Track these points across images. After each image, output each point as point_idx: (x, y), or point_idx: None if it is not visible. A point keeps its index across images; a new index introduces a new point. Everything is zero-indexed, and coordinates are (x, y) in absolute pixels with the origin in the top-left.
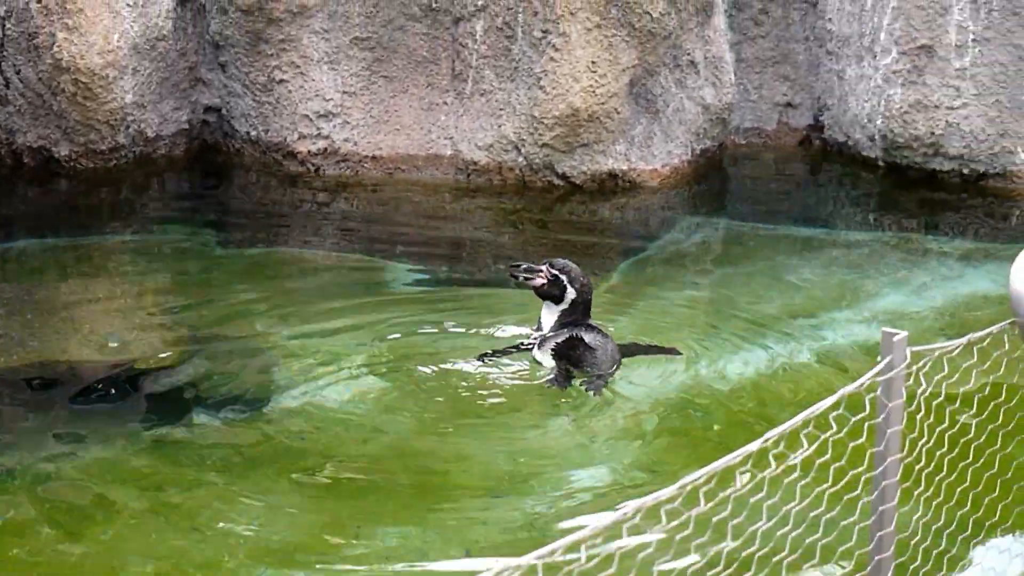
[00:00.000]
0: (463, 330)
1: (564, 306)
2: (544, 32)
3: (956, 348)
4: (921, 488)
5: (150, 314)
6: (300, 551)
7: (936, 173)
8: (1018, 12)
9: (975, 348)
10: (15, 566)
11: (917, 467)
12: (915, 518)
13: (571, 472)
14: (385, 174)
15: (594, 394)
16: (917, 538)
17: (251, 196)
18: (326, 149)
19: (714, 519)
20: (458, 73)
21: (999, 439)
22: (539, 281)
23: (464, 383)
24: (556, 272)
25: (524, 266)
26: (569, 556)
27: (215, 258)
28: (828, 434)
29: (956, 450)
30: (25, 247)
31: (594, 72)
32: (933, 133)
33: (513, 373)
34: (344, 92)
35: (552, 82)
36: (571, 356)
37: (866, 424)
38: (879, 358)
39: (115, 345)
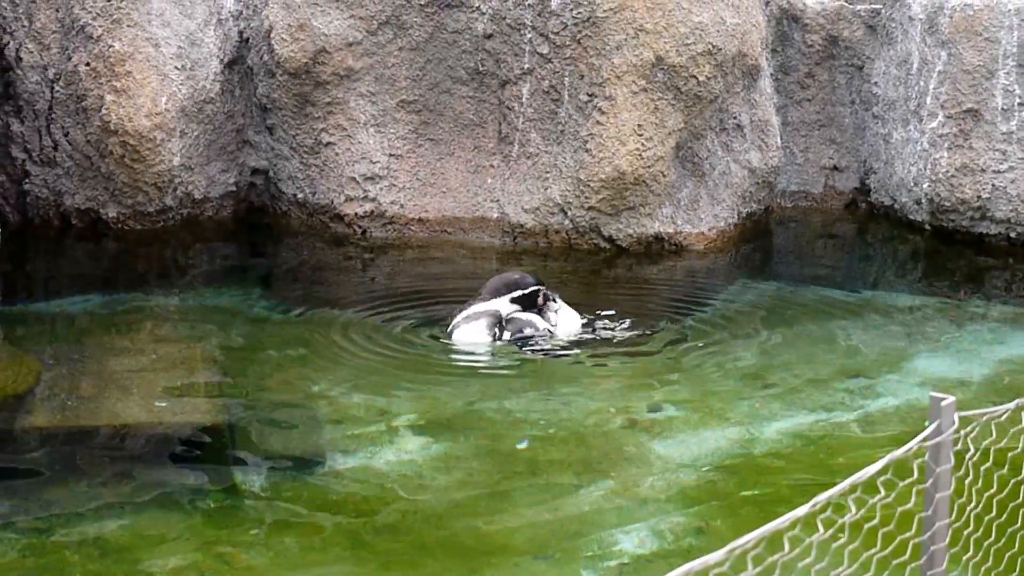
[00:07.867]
0: (510, 392)
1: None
2: (590, 95)
3: (1004, 413)
4: (969, 553)
5: (198, 375)
6: None
7: (983, 237)
8: None
9: (1023, 413)
10: None
11: (965, 532)
12: None
13: (617, 535)
14: (431, 236)
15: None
16: None
17: (298, 258)
18: (372, 211)
19: None
20: (504, 136)
21: None
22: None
23: (510, 441)
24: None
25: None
26: None
27: (262, 319)
28: (876, 498)
29: (1004, 515)
30: (72, 308)
31: (640, 135)
32: (980, 197)
33: (560, 429)
34: (391, 155)
35: (598, 145)
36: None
37: (914, 489)
38: (927, 423)
39: (162, 406)
